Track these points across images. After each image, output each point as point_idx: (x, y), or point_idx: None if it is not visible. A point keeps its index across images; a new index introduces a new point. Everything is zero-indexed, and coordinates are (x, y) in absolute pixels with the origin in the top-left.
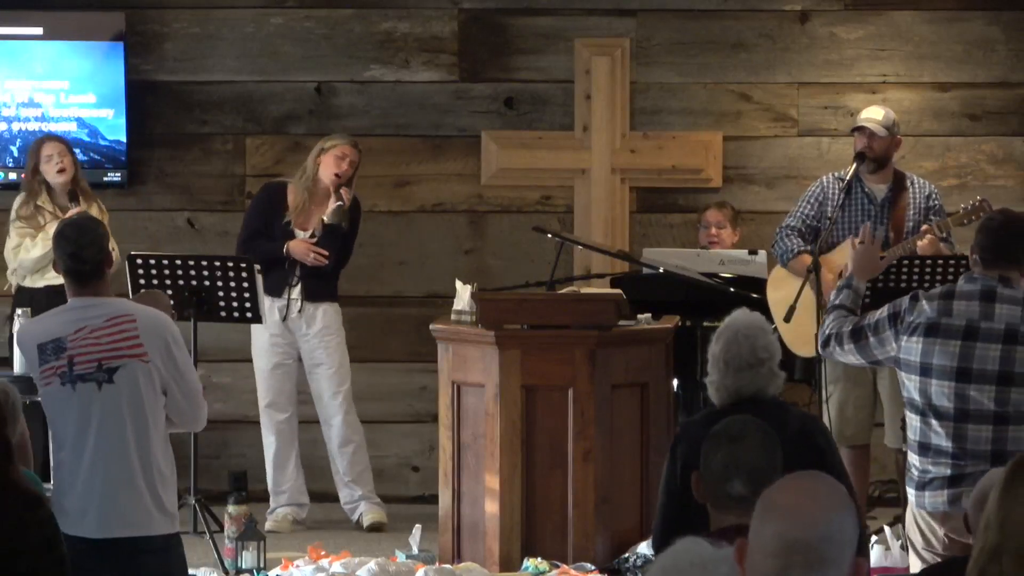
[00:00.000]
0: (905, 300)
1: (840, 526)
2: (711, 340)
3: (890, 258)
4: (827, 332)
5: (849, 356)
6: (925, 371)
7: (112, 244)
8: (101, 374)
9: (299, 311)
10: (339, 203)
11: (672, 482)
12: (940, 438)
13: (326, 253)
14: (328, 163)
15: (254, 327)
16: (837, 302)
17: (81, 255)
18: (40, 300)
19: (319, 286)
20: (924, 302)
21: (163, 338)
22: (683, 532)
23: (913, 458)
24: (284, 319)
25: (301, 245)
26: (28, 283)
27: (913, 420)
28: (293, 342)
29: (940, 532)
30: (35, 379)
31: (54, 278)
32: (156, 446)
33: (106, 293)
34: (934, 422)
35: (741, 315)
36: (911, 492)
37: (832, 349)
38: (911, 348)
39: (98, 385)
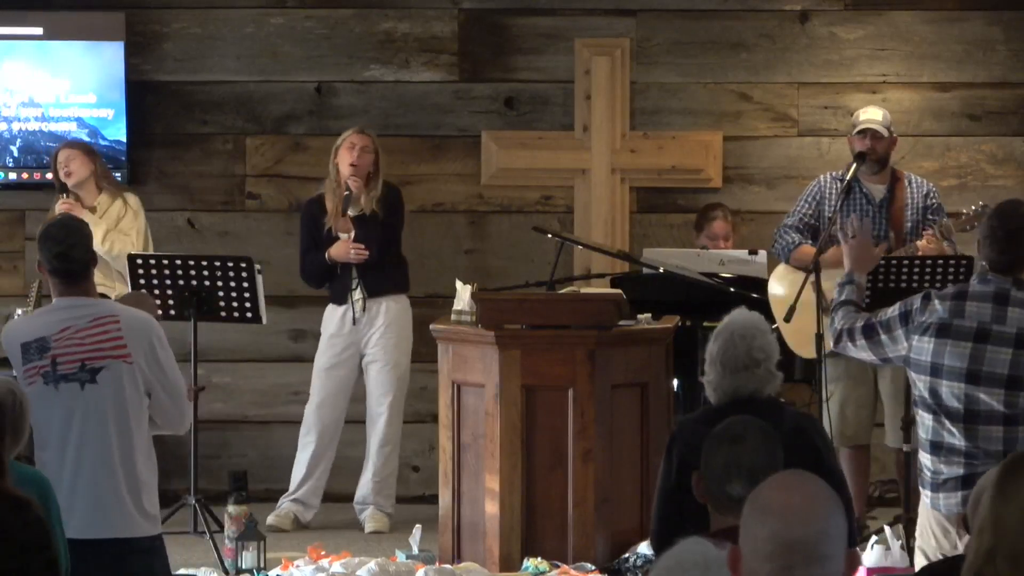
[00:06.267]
0: (917, 299)
1: (834, 520)
2: (710, 339)
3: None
4: (838, 327)
5: (862, 352)
6: (935, 371)
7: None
8: (84, 374)
9: (363, 310)
10: (346, 192)
11: (668, 481)
12: (953, 437)
13: (362, 246)
14: (343, 158)
15: (323, 325)
16: (843, 298)
17: (69, 255)
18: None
19: (378, 280)
20: (936, 302)
21: (148, 339)
22: (680, 531)
23: (925, 458)
24: (355, 323)
25: (341, 246)
26: None
27: (925, 419)
28: (359, 345)
29: (954, 534)
30: (19, 378)
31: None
32: (138, 448)
33: (92, 293)
34: (947, 421)
35: (739, 315)
36: (926, 493)
37: (844, 345)
38: (922, 348)
39: (81, 385)
